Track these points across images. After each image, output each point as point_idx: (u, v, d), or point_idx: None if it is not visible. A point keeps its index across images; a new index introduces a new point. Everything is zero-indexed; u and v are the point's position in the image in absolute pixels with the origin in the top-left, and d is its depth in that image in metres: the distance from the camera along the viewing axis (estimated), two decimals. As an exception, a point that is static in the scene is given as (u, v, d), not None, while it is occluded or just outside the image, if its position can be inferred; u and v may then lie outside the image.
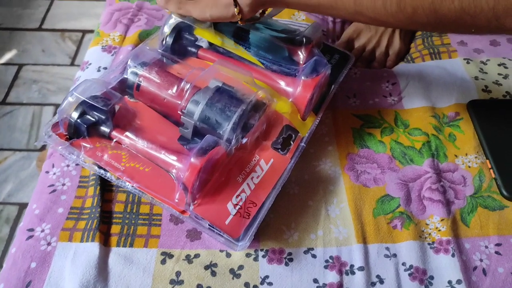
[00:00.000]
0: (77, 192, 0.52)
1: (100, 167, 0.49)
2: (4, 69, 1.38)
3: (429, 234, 0.51)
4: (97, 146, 0.51)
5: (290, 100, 0.55)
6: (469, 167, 0.57)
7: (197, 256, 0.48)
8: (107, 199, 0.52)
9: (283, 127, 0.54)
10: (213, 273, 0.47)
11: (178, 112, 0.52)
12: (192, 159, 0.45)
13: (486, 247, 0.50)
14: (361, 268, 0.47)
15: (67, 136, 0.51)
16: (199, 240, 0.49)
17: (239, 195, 0.48)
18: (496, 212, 0.53)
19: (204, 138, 0.47)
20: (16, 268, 0.46)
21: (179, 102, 0.52)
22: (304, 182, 0.55)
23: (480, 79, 0.67)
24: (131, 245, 0.48)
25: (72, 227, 0.49)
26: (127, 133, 0.51)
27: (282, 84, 0.56)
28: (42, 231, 0.48)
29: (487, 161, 0.57)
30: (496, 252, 0.50)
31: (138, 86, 0.55)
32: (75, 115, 0.49)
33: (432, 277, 0.47)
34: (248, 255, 0.48)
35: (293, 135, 0.53)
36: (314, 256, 0.49)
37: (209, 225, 0.46)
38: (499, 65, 0.69)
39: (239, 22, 0.50)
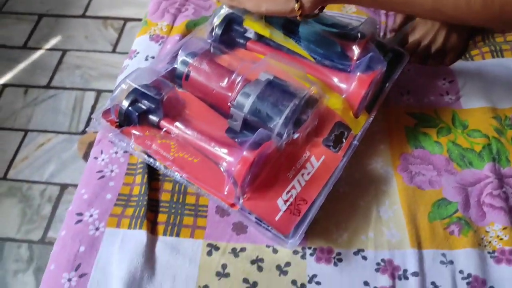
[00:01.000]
0: (125, 179, 0.52)
1: (149, 156, 0.49)
2: (49, 54, 1.42)
3: (489, 242, 0.48)
4: (146, 135, 0.50)
5: (343, 96, 0.53)
6: (534, 173, 0.53)
7: (243, 250, 0.47)
8: (154, 187, 0.51)
9: (335, 124, 0.51)
10: (260, 268, 0.45)
11: (228, 104, 0.51)
12: (245, 153, 0.44)
13: (552, 260, 0.47)
14: (415, 274, 0.45)
15: (118, 123, 0.51)
16: (245, 234, 0.48)
17: (289, 191, 0.46)
18: None
19: (257, 131, 0.45)
20: (66, 250, 0.46)
21: (229, 94, 0.51)
22: (354, 181, 0.53)
23: (548, 79, 0.62)
24: (178, 235, 0.47)
25: (120, 214, 0.49)
26: (177, 123, 0.51)
27: (335, 80, 0.53)
28: (91, 216, 0.49)
29: (555, 168, 0.53)
30: None
31: (188, 76, 0.54)
32: (126, 102, 0.49)
33: (492, 288, 0.44)
34: (295, 252, 0.47)
35: (346, 133, 0.51)
36: (364, 258, 0.46)
37: (256, 219, 0.45)
38: None
39: (298, 17, 0.48)
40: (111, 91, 0.48)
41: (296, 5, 0.45)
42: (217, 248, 0.47)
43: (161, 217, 0.49)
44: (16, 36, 1.47)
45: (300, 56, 0.56)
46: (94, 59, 1.39)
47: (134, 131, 0.50)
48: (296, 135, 0.48)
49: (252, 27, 0.58)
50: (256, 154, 0.44)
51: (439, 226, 0.49)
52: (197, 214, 0.49)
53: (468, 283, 0.45)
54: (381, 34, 0.72)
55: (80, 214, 0.49)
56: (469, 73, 0.64)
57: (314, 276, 0.45)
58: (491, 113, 0.59)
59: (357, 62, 0.53)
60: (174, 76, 0.54)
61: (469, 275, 0.45)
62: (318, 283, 0.45)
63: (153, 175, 0.52)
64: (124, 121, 0.50)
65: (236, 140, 0.50)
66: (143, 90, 0.49)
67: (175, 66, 0.53)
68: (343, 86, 0.53)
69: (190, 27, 0.67)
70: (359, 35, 0.55)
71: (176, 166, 0.48)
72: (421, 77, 0.64)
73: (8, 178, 1.14)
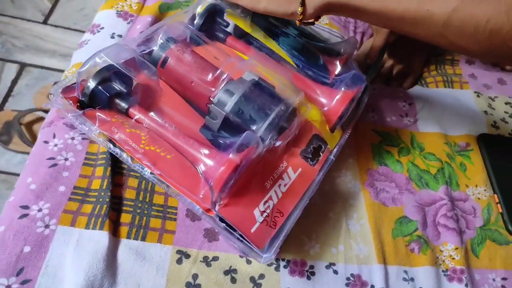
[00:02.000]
0: (82, 170, 0.45)
1: (115, 145, 0.44)
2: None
3: (443, 261, 0.51)
4: (113, 121, 0.45)
5: (324, 109, 0.52)
6: (479, 198, 0.58)
7: (215, 259, 0.44)
8: (117, 183, 0.46)
9: (313, 136, 0.50)
10: (233, 280, 0.43)
11: (208, 99, 0.47)
12: (231, 155, 0.41)
13: (494, 280, 0.51)
14: (381, 290, 0.46)
15: (78, 103, 0.45)
16: (217, 242, 0.45)
17: (266, 201, 0.44)
18: (503, 247, 0.54)
19: (245, 134, 0.42)
20: (6, 250, 0.39)
21: (211, 89, 0.48)
22: (324, 192, 0.53)
23: (489, 114, 0.69)
24: (143, 239, 0.43)
25: (76, 210, 0.42)
26: (152, 113, 0.46)
27: (318, 92, 0.53)
28: (40, 210, 0.41)
29: (495, 195, 0.59)
30: (502, 286, 0.51)
31: (164, 62, 0.49)
32: (96, 79, 0.43)
33: (447, 305, 0.47)
34: (269, 264, 0.45)
35: (323, 146, 0.51)
36: (335, 272, 0.46)
37: (229, 227, 0.42)
38: (505, 103, 0.71)
39: (297, 22, 0.46)
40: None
41: (300, 9, 0.44)
42: (187, 256, 0.43)
43: (125, 217, 0.43)
44: None
45: (284, 60, 0.55)
46: (20, 28, 1.23)
47: (99, 115, 0.44)
48: (278, 143, 0.46)
49: (234, 21, 0.55)
50: (242, 158, 0.41)
51: (401, 243, 0.51)
52: (165, 216, 0.45)
53: (426, 300, 0.47)
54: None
55: (26, 207, 0.41)
56: (425, 99, 0.68)
57: (287, 289, 0.44)
58: (444, 138, 0.64)
59: (339, 77, 0.54)
60: (149, 61, 0.49)
61: (427, 292, 0.47)
62: (291, 296, 0.43)
63: (116, 169, 0.46)
64: (90, 101, 0.44)
65: (210, 139, 0.47)
66: (120, 68, 0.43)
67: (154, 48, 0.48)
68: (323, 99, 0.53)
69: (163, 10, 0.62)
70: (341, 51, 0.55)
71: (147, 160, 0.43)
72: (385, 97, 0.67)
73: None
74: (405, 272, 0.49)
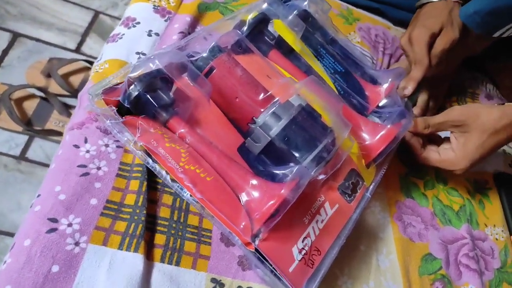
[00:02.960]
0: (116, 182, 0.42)
1: (154, 161, 0.40)
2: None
3: (464, 302, 0.51)
4: (153, 132, 0.41)
5: (364, 143, 0.50)
6: (497, 239, 0.59)
7: (250, 289, 0.41)
8: (151, 198, 0.42)
9: (350, 171, 0.49)
10: (267, 313, 0.41)
11: (252, 119, 0.45)
12: (283, 191, 0.38)
13: (509, 324, 0.52)
14: (408, 330, 0.46)
15: (117, 108, 0.41)
16: (251, 271, 0.43)
17: (305, 238, 0.42)
18: (517, 290, 0.55)
19: (297, 168, 0.40)
20: (32, 268, 0.35)
21: (258, 109, 0.45)
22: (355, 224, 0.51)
23: (507, 153, 0.70)
24: (178, 263, 0.40)
25: (109, 228, 0.39)
26: (197, 129, 0.43)
27: (362, 125, 0.51)
28: (69, 225, 0.38)
29: (511, 237, 0.60)
30: (516, 331, 0.52)
31: (210, 72, 0.46)
32: (147, 87, 0.40)
33: None
34: (303, 297, 0.43)
35: (361, 182, 0.49)
36: (366, 309, 0.45)
37: (260, 257, 0.40)
38: (523, 143, 0.72)
39: None
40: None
41: None
42: (222, 285, 0.41)
43: (159, 238, 0.40)
44: None
45: (327, 85, 0.53)
46: (17, -7, 1.14)
47: (142, 124, 0.40)
48: (321, 176, 0.44)
49: (282, 34, 0.52)
50: (293, 193, 0.39)
51: (426, 281, 0.50)
52: (200, 239, 0.42)
53: None
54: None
55: (54, 220, 0.38)
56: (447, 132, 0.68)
57: (319, 325, 0.42)
58: (463, 174, 0.64)
59: (383, 110, 0.52)
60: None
61: (450, 334, 0.47)
62: (323, 333, 0.42)
63: (150, 183, 0.43)
64: (134, 109, 0.40)
65: (248, 161, 0.45)
66: (170, 76, 0.40)
67: (203, 55, 0.45)
68: (365, 134, 0.51)
69: (202, 10, 0.58)
70: (389, 81, 0.53)
71: (188, 181, 0.40)
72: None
73: None
74: (430, 312, 0.48)
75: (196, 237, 0.42)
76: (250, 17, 0.50)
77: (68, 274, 0.36)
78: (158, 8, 0.55)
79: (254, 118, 0.45)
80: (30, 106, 1.02)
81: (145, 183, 0.42)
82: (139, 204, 0.41)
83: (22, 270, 0.35)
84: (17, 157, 0.97)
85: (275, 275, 0.39)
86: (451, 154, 0.54)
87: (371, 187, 0.49)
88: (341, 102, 0.49)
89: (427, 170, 0.61)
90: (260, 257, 0.39)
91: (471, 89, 0.78)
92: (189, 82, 0.44)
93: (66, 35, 1.15)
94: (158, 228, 0.41)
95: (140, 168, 0.42)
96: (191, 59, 0.46)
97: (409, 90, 0.61)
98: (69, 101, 1.06)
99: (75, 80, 1.07)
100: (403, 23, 0.77)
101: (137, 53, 0.50)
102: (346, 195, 0.47)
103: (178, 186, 0.40)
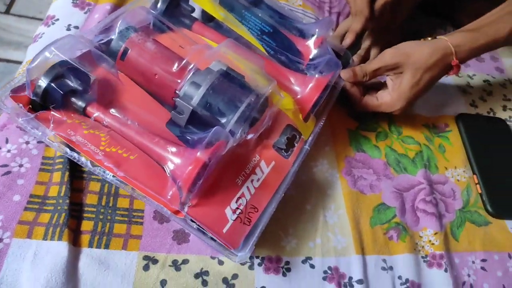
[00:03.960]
0: (39, 176, 0.42)
1: (72, 149, 0.41)
2: None
3: (422, 247, 0.50)
4: (68, 122, 0.42)
5: (297, 97, 0.50)
6: (458, 180, 0.57)
7: (185, 262, 0.42)
8: (77, 187, 0.43)
9: (286, 126, 0.48)
10: (204, 283, 0.41)
11: (173, 93, 0.44)
12: (199, 153, 0.38)
13: (473, 262, 0.50)
14: (359, 281, 0.45)
15: (31, 105, 0.42)
16: (187, 244, 0.43)
17: (239, 198, 0.42)
18: (481, 228, 0.54)
19: (213, 129, 0.40)
20: (-45, 269, 0.36)
21: (177, 81, 0.45)
22: (300, 183, 0.51)
23: (468, 93, 0.67)
24: (107, 246, 0.40)
25: (32, 220, 0.40)
26: (112, 110, 0.43)
27: (292, 79, 0.50)
28: (-8, 223, 0.39)
29: (474, 176, 0.58)
30: (482, 268, 0.50)
31: (125, 54, 0.46)
32: (48, 77, 0.40)
33: (427, 293, 0.46)
34: (242, 263, 0.43)
35: (297, 136, 0.48)
36: (312, 266, 0.45)
37: (198, 227, 0.40)
38: (484, 81, 0.70)
39: None
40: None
41: None
42: (155, 261, 0.41)
43: (86, 225, 0.41)
44: None
45: (254, 47, 0.52)
46: (-20, 17, 1.17)
47: (54, 114, 0.41)
48: (250, 136, 0.44)
49: (201, 5, 0.52)
50: (211, 155, 0.39)
51: (379, 231, 0.49)
52: (131, 220, 0.42)
53: (406, 288, 0.46)
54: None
55: (-24, 220, 0.39)
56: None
57: None
58: (422, 120, 0.62)
59: (313, 62, 0.51)
60: (107, 53, 0.46)
61: (406, 280, 0.47)
62: (266, 295, 0.42)
63: (75, 172, 0.43)
64: (43, 101, 0.40)
65: (178, 135, 0.45)
66: (74, 63, 0.40)
67: (112, 37, 0.45)
68: (296, 87, 0.50)
69: (124, -4, 0.58)
70: (316, 32, 0.52)
71: (108, 162, 0.40)
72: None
73: None
74: (384, 261, 0.47)
75: (126, 218, 0.42)
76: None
77: (-7, 270, 0.36)
78: (77, 1, 0.55)
79: (176, 91, 0.45)
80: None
81: (67, 173, 0.42)
82: (62, 194, 0.41)
83: None
84: None
85: (213, 239, 0.40)
86: (387, 97, 0.54)
87: (310, 139, 0.48)
88: (262, 59, 0.48)
89: (379, 122, 0.60)
90: (197, 225, 0.39)
91: (430, 34, 0.75)
92: (99, 66, 0.44)
93: (34, 51, 1.17)
94: (85, 215, 0.41)
95: (62, 160, 0.43)
96: (101, 41, 0.46)
97: (346, 42, 0.60)
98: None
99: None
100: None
101: (57, 49, 0.50)
102: (283, 151, 0.46)
103: (100, 169, 0.40)
